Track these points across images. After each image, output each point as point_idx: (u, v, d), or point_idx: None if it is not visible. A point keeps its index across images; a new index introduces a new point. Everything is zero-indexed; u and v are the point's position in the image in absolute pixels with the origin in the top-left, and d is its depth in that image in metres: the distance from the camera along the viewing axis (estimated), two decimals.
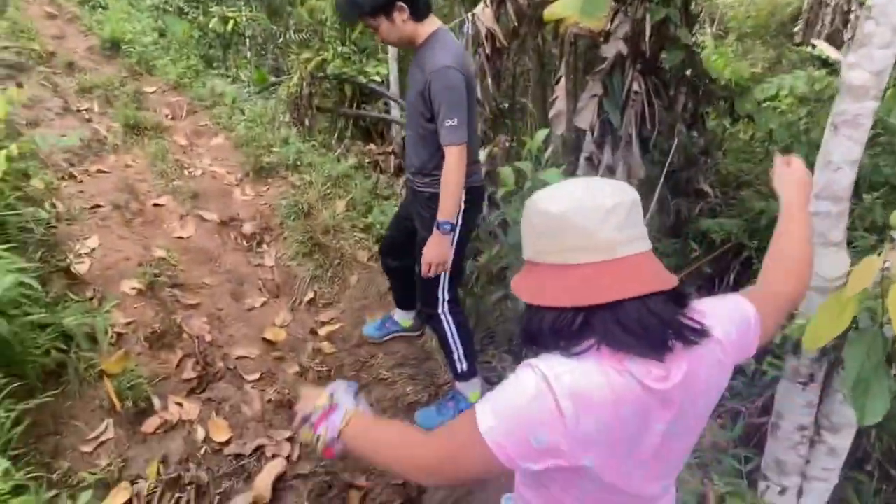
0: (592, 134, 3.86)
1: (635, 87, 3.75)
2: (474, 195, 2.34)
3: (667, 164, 3.80)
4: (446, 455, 0.93)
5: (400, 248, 2.63)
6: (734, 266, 3.87)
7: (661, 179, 3.85)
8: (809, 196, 1.25)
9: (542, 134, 2.42)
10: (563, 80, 3.66)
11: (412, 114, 2.25)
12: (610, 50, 3.66)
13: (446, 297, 2.38)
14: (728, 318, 0.99)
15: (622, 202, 0.87)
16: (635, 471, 0.93)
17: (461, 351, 2.42)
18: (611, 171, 3.95)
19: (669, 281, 0.88)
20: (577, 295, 0.86)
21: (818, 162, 1.58)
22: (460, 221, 2.27)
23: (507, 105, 4.94)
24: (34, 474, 1.88)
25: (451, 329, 2.40)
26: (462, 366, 2.43)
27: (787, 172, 1.29)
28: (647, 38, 3.56)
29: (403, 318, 2.98)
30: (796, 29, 8.04)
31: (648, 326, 0.85)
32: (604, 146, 3.94)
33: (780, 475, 1.92)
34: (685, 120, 4.20)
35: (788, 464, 1.90)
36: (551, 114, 3.66)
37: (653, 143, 4.00)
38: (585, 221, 0.86)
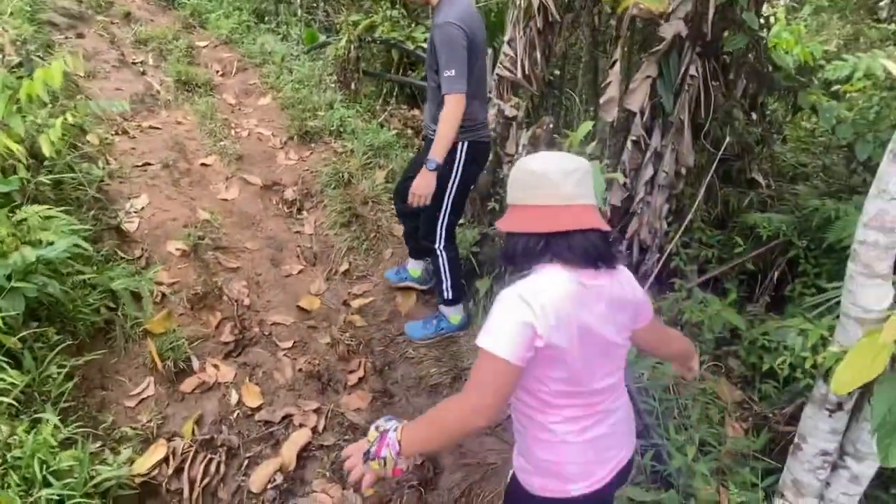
0: (642, 117, 3.72)
1: (692, 70, 3.57)
2: (476, 151, 2.60)
3: (719, 152, 3.64)
4: (476, 387, 1.17)
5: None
6: (779, 264, 3.73)
7: (712, 168, 3.70)
8: (696, 359, 1.71)
9: (585, 127, 2.36)
10: (617, 65, 3.50)
11: (428, 69, 2.56)
12: (668, 30, 3.47)
13: (443, 235, 2.72)
14: (641, 292, 1.40)
15: (580, 168, 1.26)
16: (590, 362, 1.26)
17: (449, 282, 2.81)
18: (658, 157, 3.82)
19: (604, 225, 1.28)
20: (545, 225, 1.23)
21: (871, 189, 1.49)
22: (459, 172, 2.58)
23: (554, 78, 4.79)
24: (81, 428, 2.03)
25: (444, 263, 2.77)
26: (448, 294, 2.83)
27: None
28: (709, 20, 3.36)
29: (413, 267, 3.23)
30: (882, 2, 7.40)
31: (587, 250, 1.23)
32: (653, 130, 3.80)
33: (797, 496, 1.90)
34: (743, 107, 3.99)
35: (807, 485, 1.87)
36: (602, 99, 3.52)
37: (706, 129, 3.83)
38: (554, 177, 1.23)
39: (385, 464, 1.19)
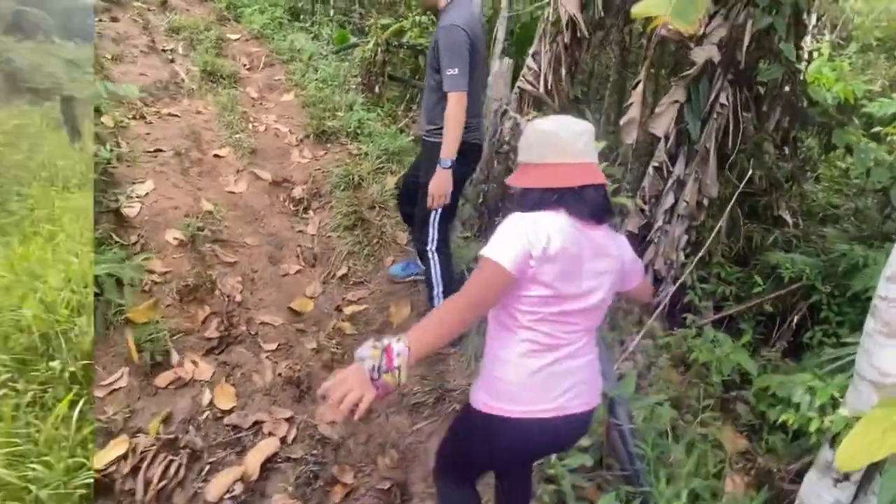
0: (666, 143, 3.56)
1: (722, 98, 3.41)
2: (468, 151, 2.57)
3: (742, 184, 3.46)
4: (475, 286, 1.30)
5: (412, 197, 2.80)
6: (800, 308, 3.52)
7: (733, 200, 3.52)
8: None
9: (597, 146, 2.23)
10: (640, 86, 3.36)
11: (428, 69, 2.57)
12: (700, 55, 3.33)
13: (435, 237, 2.64)
14: (632, 254, 1.57)
15: (587, 130, 1.43)
16: (568, 295, 1.38)
17: (440, 288, 2.68)
18: (681, 185, 3.66)
19: (605, 180, 1.45)
20: (559, 181, 1.38)
21: None
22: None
23: (581, 95, 4.66)
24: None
25: (435, 266, 2.67)
26: (439, 301, 2.67)
27: None
28: (744, 47, 3.20)
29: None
30: None
31: (596, 203, 1.41)
32: (677, 157, 3.64)
33: None
34: (774, 140, 3.80)
35: None
36: (623, 121, 3.38)
37: (732, 160, 3.65)
38: (565, 136, 1.40)
39: (399, 373, 1.20)
